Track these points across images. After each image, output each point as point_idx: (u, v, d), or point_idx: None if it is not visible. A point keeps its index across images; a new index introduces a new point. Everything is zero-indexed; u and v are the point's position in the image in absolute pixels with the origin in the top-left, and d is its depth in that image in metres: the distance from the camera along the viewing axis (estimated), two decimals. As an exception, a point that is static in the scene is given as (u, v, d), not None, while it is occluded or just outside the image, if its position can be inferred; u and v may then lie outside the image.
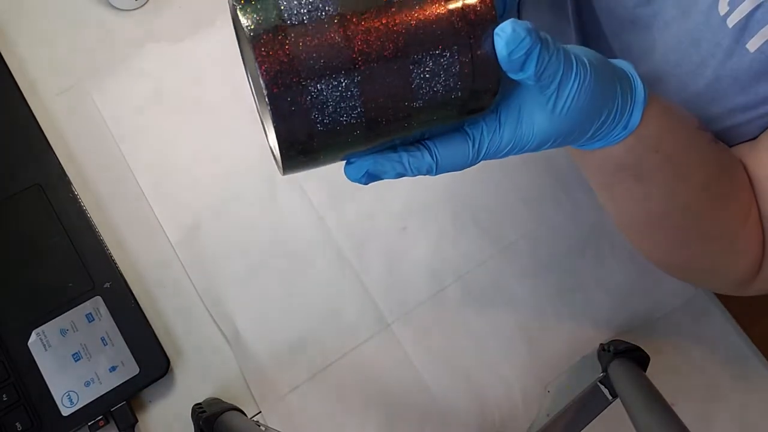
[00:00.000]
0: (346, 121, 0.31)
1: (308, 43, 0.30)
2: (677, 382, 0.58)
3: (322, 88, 0.30)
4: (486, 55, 0.32)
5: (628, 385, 0.51)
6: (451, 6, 0.31)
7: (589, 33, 0.57)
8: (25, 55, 0.62)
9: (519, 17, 0.69)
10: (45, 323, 0.54)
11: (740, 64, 0.44)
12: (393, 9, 0.31)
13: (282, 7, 0.30)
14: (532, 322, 0.59)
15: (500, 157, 0.37)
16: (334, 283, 0.59)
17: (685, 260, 0.49)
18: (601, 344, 0.58)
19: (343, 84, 0.30)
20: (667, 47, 0.49)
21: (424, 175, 0.36)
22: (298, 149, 0.32)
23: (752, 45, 0.43)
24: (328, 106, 0.31)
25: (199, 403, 0.53)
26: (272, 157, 0.37)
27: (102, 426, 0.53)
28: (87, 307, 0.55)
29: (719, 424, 0.58)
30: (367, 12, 0.30)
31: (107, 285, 0.55)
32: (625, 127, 0.38)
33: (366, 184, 0.36)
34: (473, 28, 0.31)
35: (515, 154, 0.37)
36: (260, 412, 0.55)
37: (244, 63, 0.38)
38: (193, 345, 0.56)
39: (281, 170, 0.35)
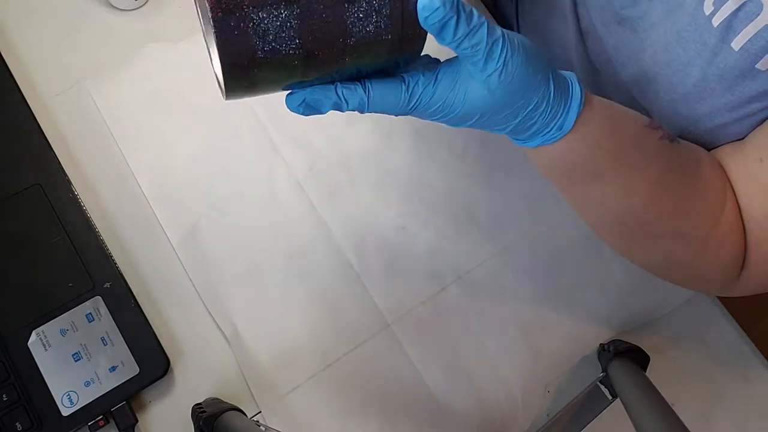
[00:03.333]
0: (284, 51, 0.35)
1: None
2: (677, 382, 0.58)
3: (263, 17, 0.34)
4: (413, 10, 0.35)
5: (628, 385, 0.51)
6: None
7: (585, 29, 0.57)
8: (25, 55, 0.62)
9: (516, 8, 0.69)
10: (45, 323, 0.54)
11: (726, 63, 0.44)
12: None
13: None
14: (532, 322, 0.59)
15: (429, 117, 0.39)
16: (334, 283, 0.59)
17: (660, 261, 0.50)
18: (601, 344, 0.58)
19: (283, 15, 0.34)
20: (656, 48, 0.49)
21: (357, 109, 0.38)
22: (240, 74, 0.35)
23: (736, 44, 0.43)
24: (268, 35, 0.34)
25: (199, 403, 0.53)
26: (216, 82, 0.40)
27: (102, 426, 0.53)
28: (87, 307, 0.55)
29: (719, 424, 0.58)
30: None
31: (107, 285, 0.55)
32: (560, 128, 0.40)
33: (305, 114, 0.38)
34: None
35: (443, 117, 0.39)
36: (260, 412, 0.55)
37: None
38: (193, 345, 0.56)
39: (224, 95, 0.38)
